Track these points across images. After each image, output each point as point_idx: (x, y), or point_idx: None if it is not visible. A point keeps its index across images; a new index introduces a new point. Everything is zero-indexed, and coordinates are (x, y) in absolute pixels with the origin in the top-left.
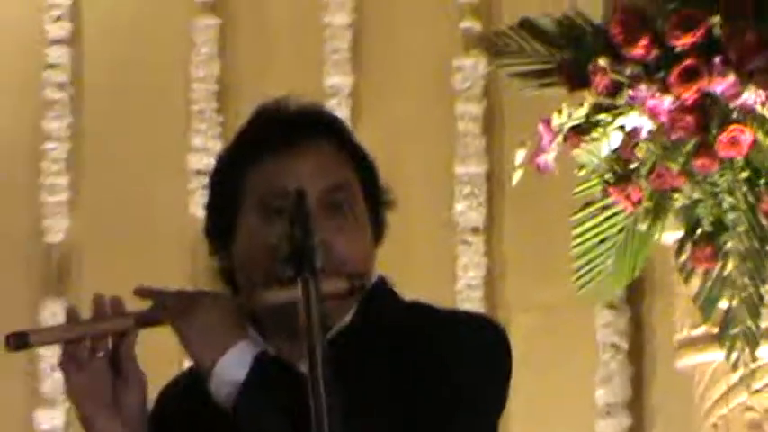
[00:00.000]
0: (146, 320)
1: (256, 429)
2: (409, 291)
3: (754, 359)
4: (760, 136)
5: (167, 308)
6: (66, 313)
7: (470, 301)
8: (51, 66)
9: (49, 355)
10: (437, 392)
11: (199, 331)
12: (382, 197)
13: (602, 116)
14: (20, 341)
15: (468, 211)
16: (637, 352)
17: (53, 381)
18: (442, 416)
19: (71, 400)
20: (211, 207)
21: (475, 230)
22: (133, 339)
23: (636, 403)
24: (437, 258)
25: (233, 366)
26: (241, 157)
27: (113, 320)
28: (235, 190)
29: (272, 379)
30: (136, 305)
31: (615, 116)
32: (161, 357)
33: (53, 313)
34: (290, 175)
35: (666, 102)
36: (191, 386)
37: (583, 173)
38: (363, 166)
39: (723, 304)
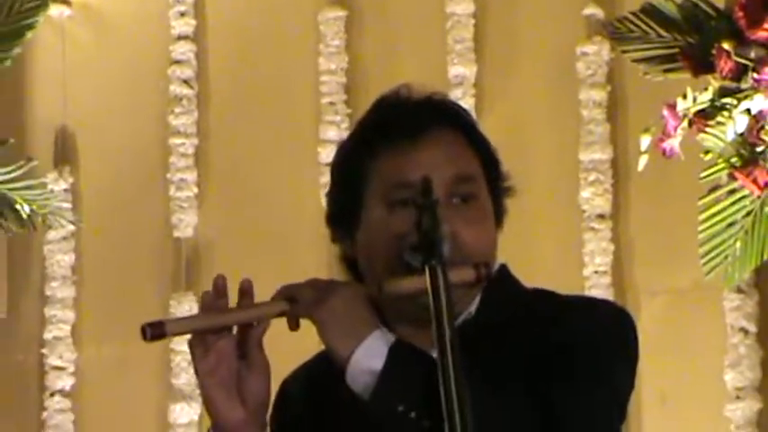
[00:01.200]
0: (281, 312)
1: (394, 418)
2: (536, 278)
3: None
4: None
5: (303, 299)
6: (201, 301)
7: (598, 287)
8: (177, 62)
9: (185, 350)
10: (572, 376)
11: (335, 321)
12: (503, 184)
13: (727, 100)
14: (156, 331)
15: (595, 198)
16: (766, 335)
17: (188, 375)
18: (579, 399)
19: (198, 380)
20: (334, 196)
21: (601, 217)
22: (264, 328)
23: (766, 386)
24: (564, 245)
25: (369, 356)
26: (363, 146)
27: (245, 311)
28: (358, 179)
29: (408, 367)
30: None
31: (740, 99)
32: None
33: (187, 309)
34: (415, 167)
35: None
36: (314, 374)
37: (709, 157)
38: (487, 155)
39: None
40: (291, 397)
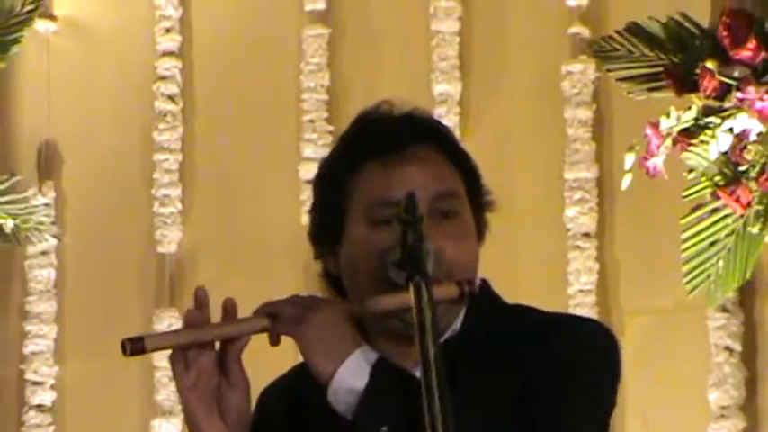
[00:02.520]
0: (262, 329)
1: None
2: (521, 295)
3: None
4: None
5: (284, 316)
6: (184, 316)
7: (583, 306)
8: (162, 77)
9: (165, 365)
10: (557, 394)
11: (316, 339)
12: (484, 199)
13: (710, 119)
14: (135, 346)
15: (580, 217)
16: (750, 354)
17: (169, 391)
18: (563, 418)
19: (179, 396)
20: (317, 212)
21: (586, 235)
22: (244, 344)
23: (750, 406)
24: (549, 263)
25: (352, 375)
26: (345, 162)
27: (226, 327)
28: (341, 196)
29: (391, 387)
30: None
31: (724, 119)
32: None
33: (169, 325)
34: (398, 184)
35: None
36: (293, 387)
37: (692, 176)
38: (468, 170)
39: None
40: (269, 407)
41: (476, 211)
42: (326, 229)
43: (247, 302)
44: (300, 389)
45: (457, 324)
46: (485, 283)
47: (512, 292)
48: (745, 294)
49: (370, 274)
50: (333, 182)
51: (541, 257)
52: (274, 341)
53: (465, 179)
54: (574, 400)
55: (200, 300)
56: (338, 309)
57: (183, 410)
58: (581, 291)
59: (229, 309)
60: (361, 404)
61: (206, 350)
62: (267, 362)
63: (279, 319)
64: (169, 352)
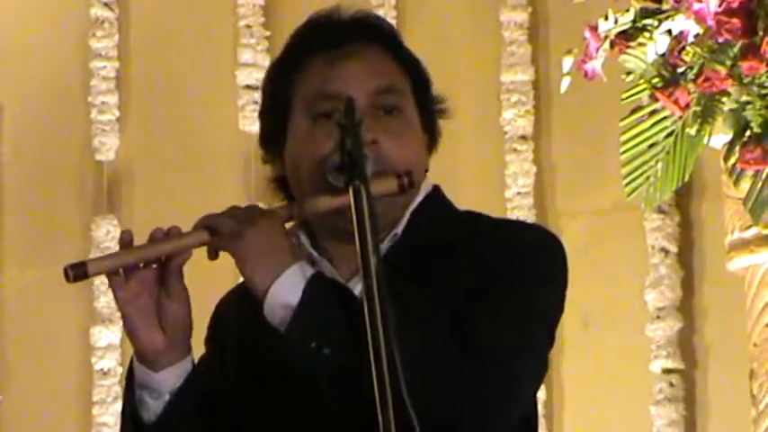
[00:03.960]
0: (201, 243)
1: (306, 354)
2: (459, 199)
3: None
4: None
5: (222, 231)
6: (120, 239)
7: (520, 208)
8: None
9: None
10: (492, 306)
11: (252, 255)
12: (435, 105)
13: (648, 21)
14: (78, 272)
15: (517, 119)
16: (687, 255)
17: (108, 298)
18: (498, 329)
19: (118, 308)
20: (263, 114)
21: (523, 138)
22: (184, 259)
23: (686, 306)
24: (486, 167)
25: (286, 290)
26: (290, 62)
27: (165, 243)
28: (284, 95)
29: (324, 303)
30: (188, 225)
31: (661, 21)
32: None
33: (107, 231)
34: (338, 78)
35: (712, 5)
36: (244, 297)
37: (630, 78)
38: (415, 73)
39: None
40: (223, 318)
41: (423, 112)
42: (272, 129)
43: (187, 208)
44: (250, 298)
45: (399, 228)
46: (436, 188)
47: (450, 194)
48: (682, 195)
49: (311, 178)
50: (279, 79)
51: (479, 160)
52: (212, 256)
53: (411, 79)
54: (513, 312)
55: (126, 244)
56: (274, 222)
57: (123, 323)
58: (518, 193)
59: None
60: (293, 320)
61: (147, 266)
62: (210, 274)
63: (217, 233)
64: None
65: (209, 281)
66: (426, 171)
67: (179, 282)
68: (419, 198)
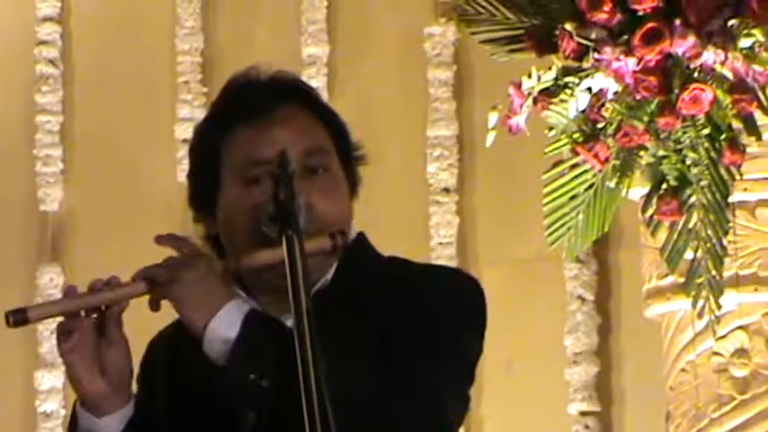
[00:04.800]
0: (140, 293)
1: (245, 386)
2: (384, 248)
3: (718, 306)
4: (720, 94)
5: (159, 281)
6: (65, 290)
7: (443, 258)
8: (43, 42)
9: (49, 320)
10: (414, 346)
11: (189, 296)
12: (355, 153)
13: (569, 78)
14: (19, 318)
15: (440, 172)
16: (604, 302)
17: (51, 344)
18: (426, 366)
19: (61, 358)
20: (192, 177)
21: (446, 190)
22: (122, 308)
23: (603, 351)
24: (411, 217)
25: (224, 325)
26: (216, 127)
27: (105, 293)
28: (213, 160)
29: (262, 335)
30: (129, 273)
31: (582, 78)
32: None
33: (50, 279)
34: (267, 143)
35: (630, 63)
36: (176, 336)
37: (552, 133)
38: (335, 127)
39: (689, 255)
40: (155, 356)
41: (346, 165)
42: (203, 192)
43: (128, 257)
44: (182, 338)
45: (329, 275)
46: (361, 235)
47: (376, 243)
48: (599, 245)
49: (245, 230)
50: (206, 148)
51: (404, 211)
52: (154, 307)
53: (333, 135)
54: (433, 353)
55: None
56: (209, 264)
57: (66, 373)
58: (440, 243)
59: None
60: (231, 353)
61: (87, 315)
62: (150, 320)
63: (155, 283)
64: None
65: (149, 326)
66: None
67: (118, 330)
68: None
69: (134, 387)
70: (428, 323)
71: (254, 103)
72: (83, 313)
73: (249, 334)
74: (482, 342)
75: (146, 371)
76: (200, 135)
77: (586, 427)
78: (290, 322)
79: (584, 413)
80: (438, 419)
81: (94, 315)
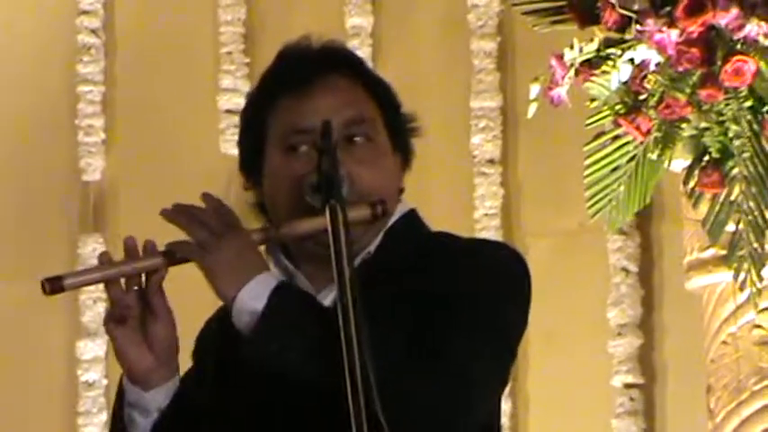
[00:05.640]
0: (172, 259)
1: (268, 358)
2: (430, 220)
3: (760, 279)
4: (763, 66)
5: (191, 246)
6: (98, 257)
7: (488, 229)
8: (85, 12)
9: (91, 288)
10: (450, 315)
11: (221, 266)
12: (406, 125)
13: (611, 50)
14: (55, 285)
15: (485, 144)
16: (647, 275)
17: (94, 313)
18: (461, 330)
19: (107, 334)
20: (240, 145)
21: (491, 162)
22: (161, 276)
23: (646, 323)
24: (456, 189)
25: (252, 297)
26: (264, 97)
27: (143, 260)
28: (259, 128)
29: (289, 308)
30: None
31: (624, 50)
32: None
33: (93, 249)
34: (310, 113)
35: (673, 35)
36: (222, 317)
37: (594, 105)
38: (383, 97)
39: (730, 227)
40: (208, 332)
41: (395, 136)
42: (249, 162)
43: (169, 228)
44: (227, 319)
45: (372, 247)
46: (412, 211)
47: (422, 216)
48: (642, 217)
49: (288, 200)
50: (252, 117)
51: (449, 182)
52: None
53: (380, 105)
54: (476, 324)
55: (129, 250)
56: (245, 236)
57: (112, 346)
58: (486, 215)
59: (129, 248)
60: (257, 323)
61: (129, 287)
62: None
63: (187, 244)
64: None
65: (196, 299)
66: (402, 191)
67: (162, 302)
68: (393, 219)
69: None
70: (466, 298)
71: (298, 73)
72: (122, 283)
73: (276, 306)
74: (525, 318)
75: (198, 346)
76: (248, 103)
77: (631, 399)
78: (332, 295)
79: (628, 385)
80: (465, 398)
81: (135, 287)
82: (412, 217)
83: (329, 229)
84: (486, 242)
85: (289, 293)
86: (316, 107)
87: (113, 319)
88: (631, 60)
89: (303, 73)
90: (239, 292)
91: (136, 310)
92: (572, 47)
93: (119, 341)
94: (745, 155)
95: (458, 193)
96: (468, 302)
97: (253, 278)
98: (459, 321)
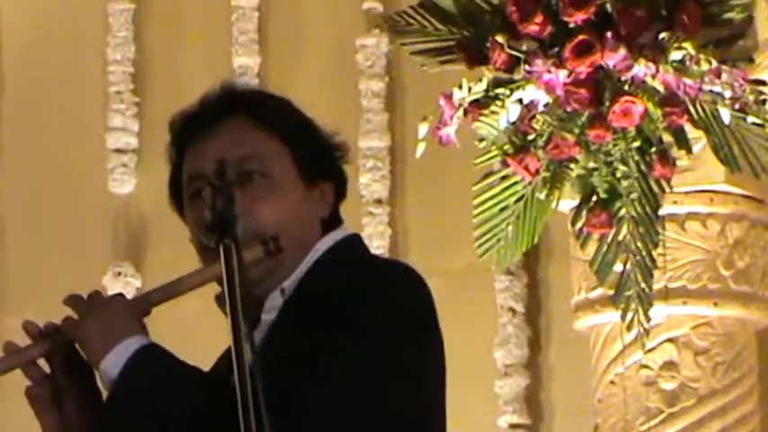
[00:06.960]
0: (54, 344)
1: (125, 424)
2: None
3: (647, 319)
4: (650, 106)
5: (66, 325)
6: (3, 346)
7: None
8: None
9: None
10: (322, 354)
11: (90, 334)
12: (328, 155)
13: (500, 90)
14: None
15: (372, 184)
16: (534, 315)
17: None
18: (301, 379)
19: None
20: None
21: (378, 202)
22: (61, 357)
23: (533, 364)
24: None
25: (111, 365)
26: (174, 150)
27: (33, 348)
28: (177, 180)
29: (141, 377)
30: (60, 281)
31: (513, 90)
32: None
33: None
34: (202, 158)
35: (561, 75)
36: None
37: (483, 145)
38: (287, 131)
39: (618, 268)
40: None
41: (304, 167)
42: (180, 212)
43: (58, 268)
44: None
45: (285, 283)
46: (353, 236)
47: None
48: (530, 257)
49: (196, 245)
50: (172, 170)
51: None
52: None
53: (284, 139)
54: (354, 367)
55: (30, 333)
56: (115, 302)
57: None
58: None
59: (29, 331)
60: (110, 394)
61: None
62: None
63: (69, 326)
64: None
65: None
66: (327, 221)
67: (69, 382)
68: (320, 252)
69: None
70: (344, 338)
71: (197, 121)
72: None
73: (127, 376)
74: (425, 353)
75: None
76: (168, 158)
77: None
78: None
79: (513, 426)
80: None
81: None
82: (345, 243)
83: (223, 272)
84: (390, 282)
85: (147, 360)
86: (210, 151)
87: (30, 391)
88: (520, 100)
89: (202, 121)
90: (102, 360)
91: (46, 384)
92: (461, 86)
93: (37, 411)
94: (633, 195)
95: None
96: (343, 346)
97: (117, 344)
98: (325, 364)
